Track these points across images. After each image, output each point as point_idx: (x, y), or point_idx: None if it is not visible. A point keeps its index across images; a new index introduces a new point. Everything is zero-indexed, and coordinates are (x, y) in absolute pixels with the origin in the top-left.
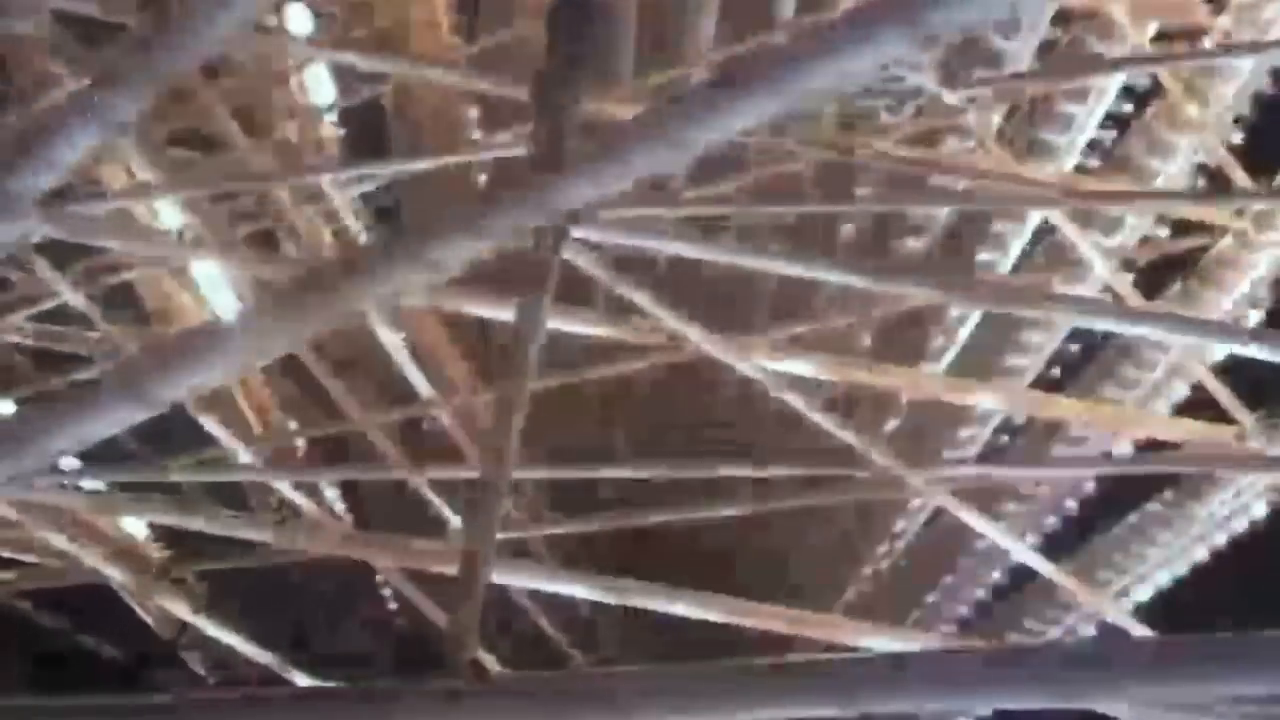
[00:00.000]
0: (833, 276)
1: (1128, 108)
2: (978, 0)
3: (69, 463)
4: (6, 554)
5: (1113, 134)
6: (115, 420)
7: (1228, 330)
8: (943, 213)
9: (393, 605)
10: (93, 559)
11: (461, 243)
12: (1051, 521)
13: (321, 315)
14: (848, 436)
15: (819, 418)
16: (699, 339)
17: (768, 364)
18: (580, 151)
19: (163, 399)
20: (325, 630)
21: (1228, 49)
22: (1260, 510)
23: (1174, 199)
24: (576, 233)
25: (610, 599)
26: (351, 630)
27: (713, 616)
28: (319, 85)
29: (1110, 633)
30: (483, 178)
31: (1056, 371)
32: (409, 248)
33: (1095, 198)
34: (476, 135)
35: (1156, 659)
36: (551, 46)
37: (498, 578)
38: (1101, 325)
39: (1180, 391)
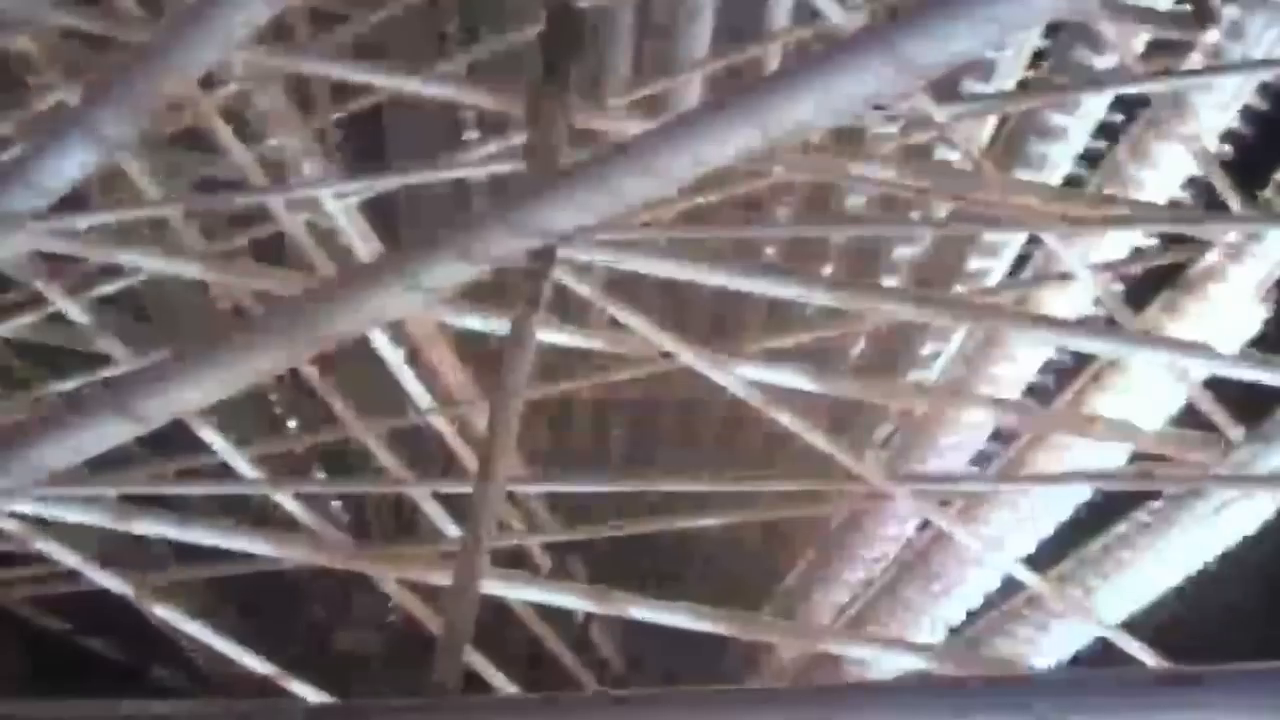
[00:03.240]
0: (816, 298)
1: (1118, 117)
2: (962, 34)
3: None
4: (6, 548)
5: (1103, 142)
6: (105, 437)
7: (1211, 352)
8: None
9: (390, 605)
10: (92, 569)
11: (453, 265)
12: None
13: (313, 337)
14: (834, 449)
15: (805, 430)
16: (682, 352)
17: (755, 375)
18: (568, 179)
19: (153, 416)
20: (321, 631)
21: (1216, 68)
22: (1252, 522)
23: (1162, 222)
24: (565, 253)
25: (601, 610)
26: (347, 632)
27: (702, 627)
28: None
29: (1097, 645)
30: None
31: (1050, 379)
32: (401, 270)
33: (1083, 221)
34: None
35: (1140, 691)
36: (546, 63)
37: (490, 589)
38: (1083, 346)
39: (1173, 403)
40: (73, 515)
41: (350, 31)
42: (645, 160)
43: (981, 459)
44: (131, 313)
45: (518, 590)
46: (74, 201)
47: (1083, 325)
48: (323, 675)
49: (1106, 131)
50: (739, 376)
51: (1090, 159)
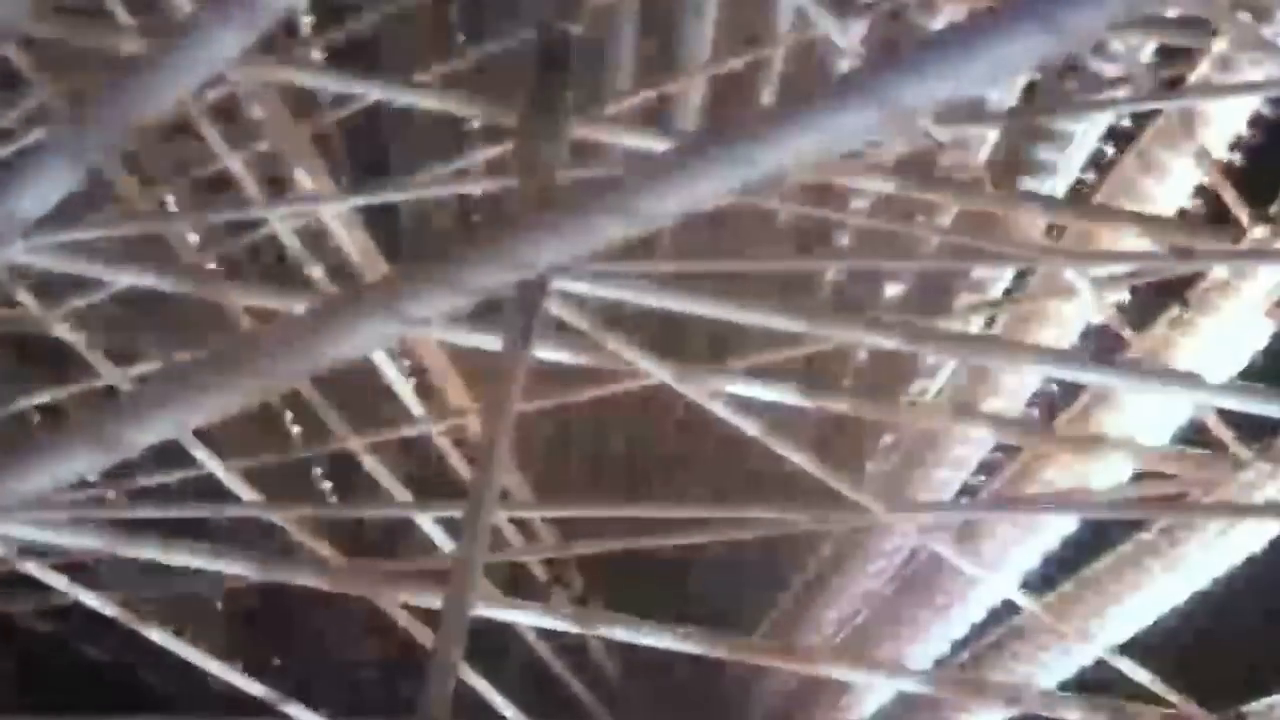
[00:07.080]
0: (803, 328)
1: (1125, 123)
2: (953, 76)
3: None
4: None
5: (1111, 147)
6: (82, 463)
7: (1208, 384)
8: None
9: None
10: (80, 590)
11: (441, 296)
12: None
13: (298, 365)
14: (824, 474)
15: (794, 454)
16: (670, 379)
17: (749, 392)
18: (556, 215)
19: (132, 444)
20: (318, 640)
21: (1219, 89)
22: (1261, 541)
23: (1160, 260)
24: (557, 284)
25: (590, 631)
26: (343, 639)
27: (694, 649)
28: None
29: (1098, 667)
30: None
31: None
32: (388, 300)
33: (1082, 256)
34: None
35: None
36: (538, 89)
37: (483, 611)
38: (1073, 376)
39: (1179, 419)
40: (56, 540)
41: (351, 29)
42: (633, 200)
43: (985, 470)
44: (121, 306)
45: (511, 613)
46: (63, 210)
47: (1076, 355)
48: (319, 686)
49: (1113, 136)
50: (731, 398)
51: (1097, 164)
